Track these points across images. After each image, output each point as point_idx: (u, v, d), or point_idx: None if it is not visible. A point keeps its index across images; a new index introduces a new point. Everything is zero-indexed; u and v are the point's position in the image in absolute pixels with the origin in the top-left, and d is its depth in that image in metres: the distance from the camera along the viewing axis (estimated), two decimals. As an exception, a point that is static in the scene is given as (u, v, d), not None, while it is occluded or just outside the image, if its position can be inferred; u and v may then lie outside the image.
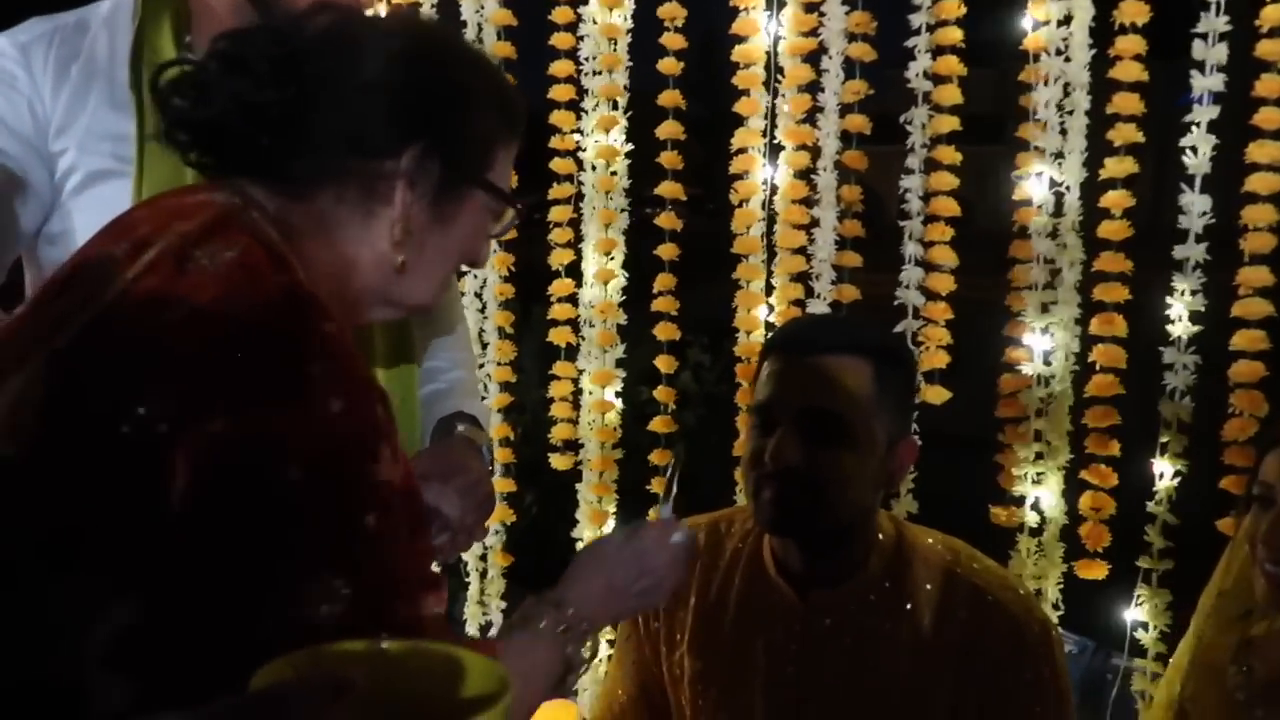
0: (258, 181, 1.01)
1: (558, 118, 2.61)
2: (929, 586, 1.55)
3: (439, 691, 0.68)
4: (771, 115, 2.40)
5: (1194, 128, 2.00)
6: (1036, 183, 2.14)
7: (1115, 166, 2.07)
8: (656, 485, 2.57)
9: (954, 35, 2.20)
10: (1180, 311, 2.04)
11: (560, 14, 2.57)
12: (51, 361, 0.88)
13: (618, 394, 2.66)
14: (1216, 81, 1.98)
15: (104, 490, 0.84)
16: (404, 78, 1.02)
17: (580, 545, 2.66)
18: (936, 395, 2.22)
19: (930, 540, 1.60)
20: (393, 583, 0.90)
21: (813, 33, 2.33)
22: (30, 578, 0.84)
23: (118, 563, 0.83)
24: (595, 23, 2.54)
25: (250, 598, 0.84)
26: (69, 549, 0.84)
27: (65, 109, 1.50)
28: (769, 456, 1.47)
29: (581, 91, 2.60)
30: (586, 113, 2.59)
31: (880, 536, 1.58)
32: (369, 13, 1.49)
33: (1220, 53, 1.97)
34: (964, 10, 2.19)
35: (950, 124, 2.22)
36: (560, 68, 2.60)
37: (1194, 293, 2.03)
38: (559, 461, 2.72)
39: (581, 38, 2.56)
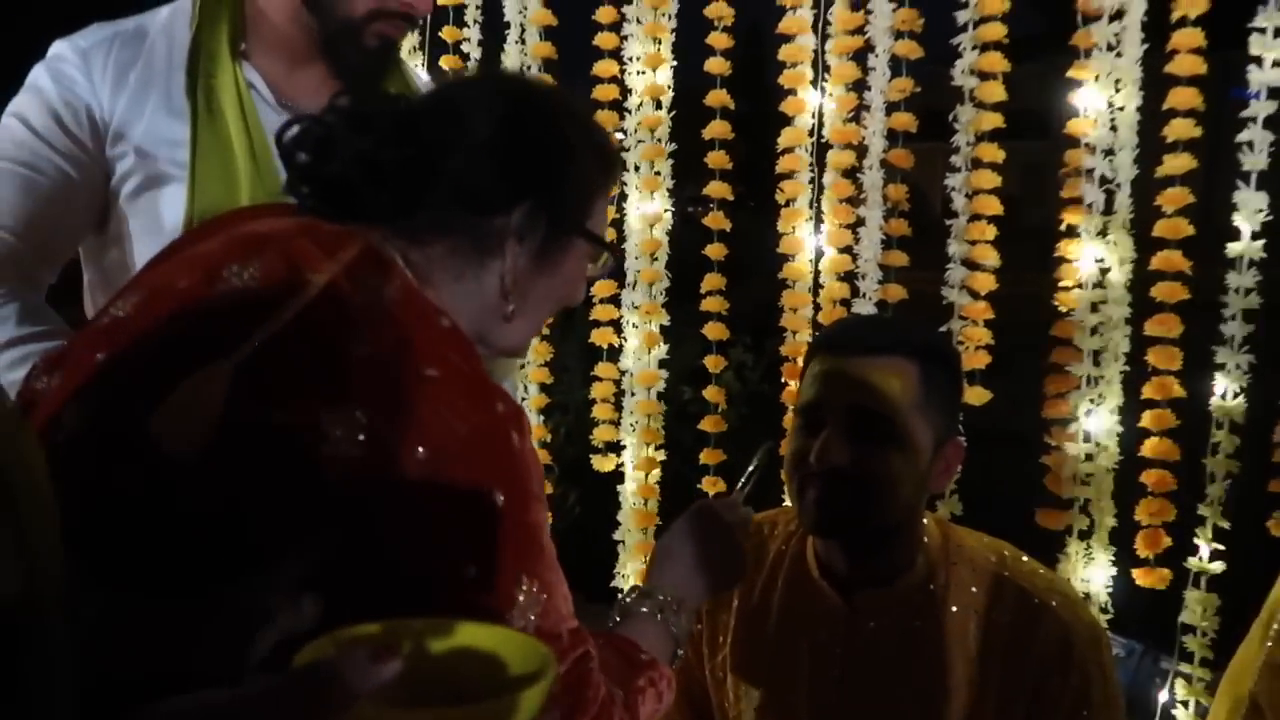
0: (375, 226, 1.05)
1: (601, 118, 2.60)
2: (975, 589, 1.53)
3: (482, 668, 0.68)
4: (819, 114, 2.39)
5: (1250, 124, 1.97)
6: (1086, 180, 2.11)
7: (1172, 163, 2.03)
8: (708, 484, 2.61)
9: (998, 31, 2.17)
10: (1235, 311, 2.00)
11: (604, 13, 2.57)
12: (232, 374, 0.91)
13: (660, 395, 2.65)
14: (1275, 76, 1.94)
15: (282, 501, 0.88)
16: (515, 140, 1.06)
17: (622, 547, 2.67)
18: (977, 396, 2.20)
19: (976, 542, 1.59)
20: (562, 592, 1.01)
21: (859, 30, 2.31)
22: (198, 579, 0.87)
23: (295, 572, 0.86)
24: (639, 22, 2.53)
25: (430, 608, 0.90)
26: (239, 553, 0.87)
27: (123, 114, 1.53)
28: (814, 457, 1.47)
29: (625, 91, 2.59)
30: (630, 112, 2.59)
31: (925, 539, 1.56)
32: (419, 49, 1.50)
33: (1279, 47, 1.93)
34: (1009, 6, 2.17)
35: (994, 121, 2.19)
36: (604, 68, 2.59)
37: (1248, 291, 1.99)
38: (601, 463, 2.72)
39: (625, 37, 2.56)
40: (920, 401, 1.48)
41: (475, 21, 2.83)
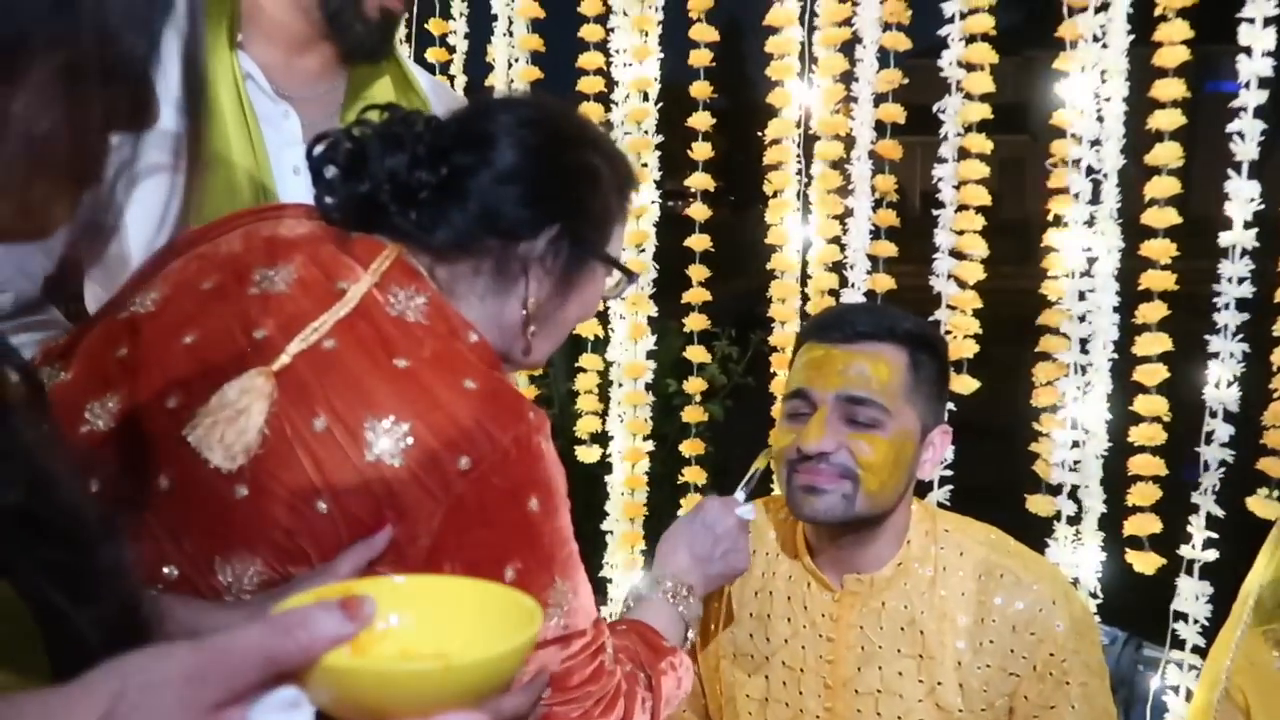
0: (398, 239, 1.05)
1: (587, 110, 2.60)
2: (962, 573, 1.54)
3: (468, 622, 0.67)
4: (805, 107, 2.39)
5: (1241, 113, 1.97)
6: (1073, 170, 2.11)
7: (1160, 152, 2.03)
8: (690, 474, 2.61)
9: (986, 23, 2.18)
10: (1229, 300, 2.00)
11: (590, 6, 2.56)
12: (273, 380, 0.92)
13: (647, 386, 2.65)
14: (1264, 66, 1.94)
15: (325, 508, 0.89)
16: (544, 169, 1.08)
17: (610, 537, 2.66)
18: (964, 385, 2.20)
19: (965, 528, 1.59)
20: (586, 589, 1.06)
21: (847, 22, 2.31)
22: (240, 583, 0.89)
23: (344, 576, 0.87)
24: (626, 14, 2.53)
25: None
26: (282, 558, 0.89)
27: None
28: (803, 443, 1.46)
29: (611, 83, 2.59)
30: (616, 105, 2.58)
31: (915, 524, 1.56)
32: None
33: (1268, 37, 1.93)
34: (995, -2, 2.17)
35: (981, 112, 2.20)
36: (590, 60, 2.59)
37: (1242, 280, 1.99)
38: (585, 454, 2.71)
39: (611, 30, 2.55)
40: (908, 389, 1.49)
41: (462, 14, 2.83)
